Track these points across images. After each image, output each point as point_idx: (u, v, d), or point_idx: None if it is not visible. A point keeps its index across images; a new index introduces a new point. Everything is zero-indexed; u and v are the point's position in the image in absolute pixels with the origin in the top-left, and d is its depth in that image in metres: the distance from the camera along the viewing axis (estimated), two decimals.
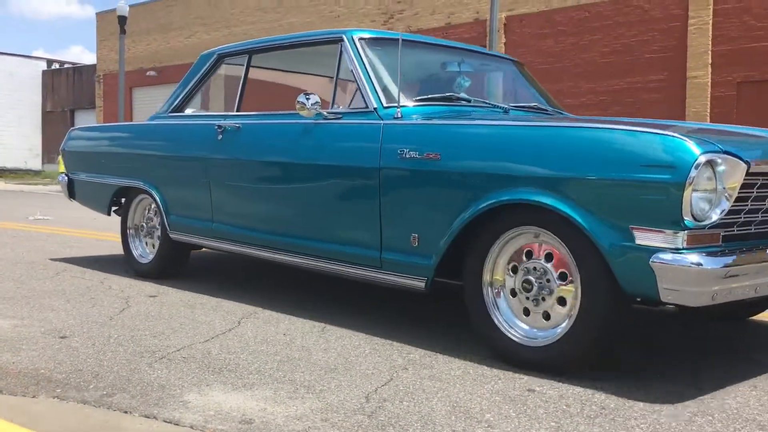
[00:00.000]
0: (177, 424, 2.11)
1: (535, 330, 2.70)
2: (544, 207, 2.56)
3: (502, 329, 2.75)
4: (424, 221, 2.97)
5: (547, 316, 2.67)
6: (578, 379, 2.56)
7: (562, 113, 3.96)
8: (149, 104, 26.32)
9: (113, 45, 25.47)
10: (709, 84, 14.68)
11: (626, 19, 15.31)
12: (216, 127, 4.02)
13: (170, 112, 4.61)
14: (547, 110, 3.84)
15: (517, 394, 2.41)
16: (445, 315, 3.59)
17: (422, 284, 2.97)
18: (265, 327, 3.28)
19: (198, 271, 4.83)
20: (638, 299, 2.54)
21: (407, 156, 2.99)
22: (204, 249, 4.41)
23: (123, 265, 4.89)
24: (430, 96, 3.45)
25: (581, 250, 2.52)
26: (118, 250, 5.09)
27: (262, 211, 3.81)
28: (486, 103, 3.63)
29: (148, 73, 25.90)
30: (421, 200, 2.99)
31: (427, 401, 2.33)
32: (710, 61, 14.77)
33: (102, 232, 7.36)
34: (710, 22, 14.89)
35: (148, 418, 2.16)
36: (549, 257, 2.67)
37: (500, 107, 3.55)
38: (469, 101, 3.54)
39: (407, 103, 3.24)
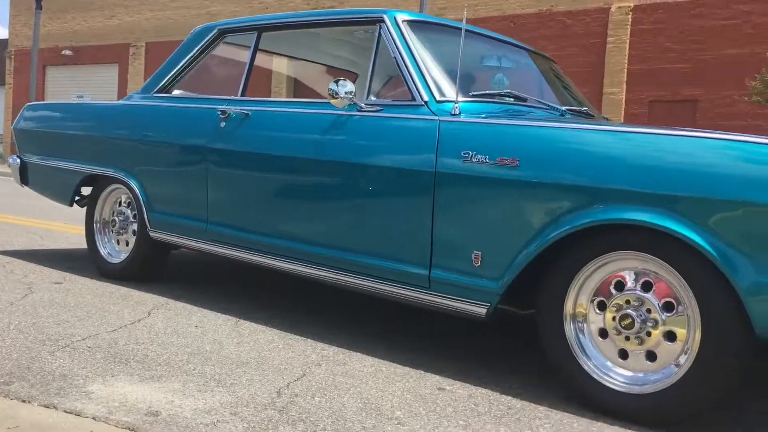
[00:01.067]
0: (78, 415, 2.04)
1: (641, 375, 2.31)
2: (661, 231, 2.18)
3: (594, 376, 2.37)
4: (493, 238, 2.55)
5: (652, 356, 2.29)
6: (487, 379, 2.62)
7: (607, 119, 3.57)
8: (63, 84, 25.31)
9: (28, 20, 24.34)
10: (623, 101, 15.30)
11: (550, 32, 15.77)
12: (219, 112, 3.49)
13: (156, 92, 4.02)
14: (594, 115, 3.43)
15: (427, 392, 2.44)
16: (361, 314, 3.60)
17: (483, 310, 2.57)
18: (177, 318, 3.21)
19: None
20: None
21: (474, 160, 2.57)
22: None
23: (27, 248, 4.67)
24: (486, 92, 3.04)
25: (704, 284, 2.15)
26: (21, 231, 4.86)
27: (274, 213, 3.27)
28: (542, 103, 3.20)
29: (63, 52, 24.87)
30: (491, 213, 2.56)
31: (339, 397, 2.33)
32: (625, 78, 15.39)
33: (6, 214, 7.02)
34: (627, 41, 15.51)
35: (48, 407, 2.07)
36: (647, 288, 2.31)
37: (558, 109, 3.17)
38: (525, 100, 3.11)
39: (461, 98, 2.81)
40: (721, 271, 2.08)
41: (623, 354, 2.33)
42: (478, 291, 2.57)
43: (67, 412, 2.06)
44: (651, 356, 2.28)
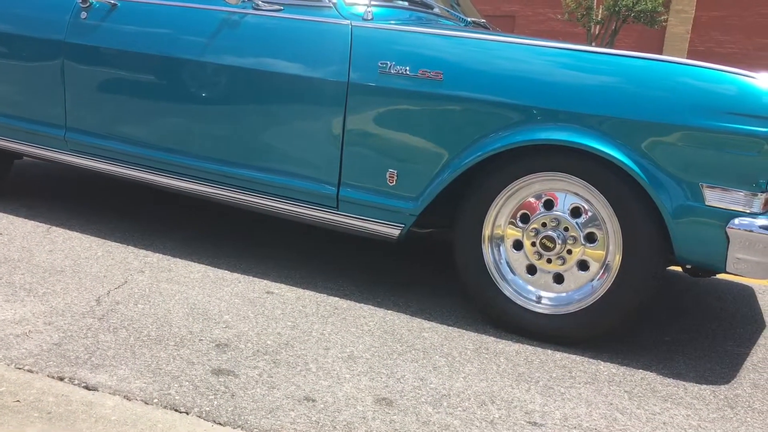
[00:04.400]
0: None
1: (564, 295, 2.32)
2: (590, 153, 2.16)
3: (507, 293, 2.37)
4: (410, 156, 2.43)
5: (559, 278, 2.33)
6: (314, 282, 2.67)
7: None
8: None
9: None
10: None
11: None
12: (78, 1, 3.04)
13: None
14: (489, 28, 3.26)
15: (256, 296, 2.45)
16: (185, 219, 3.49)
17: (396, 232, 2.48)
18: None
19: None
20: (687, 267, 2.24)
21: (393, 71, 2.40)
22: None
23: None
24: None
25: (627, 205, 2.17)
26: None
27: (152, 121, 2.91)
28: (448, 11, 3.03)
29: None
30: (409, 129, 2.42)
31: (164, 303, 2.28)
32: None
33: None
34: None
35: None
36: (574, 213, 2.29)
37: (463, 19, 3.02)
38: (431, 8, 2.92)
39: (373, 2, 2.61)
40: (647, 194, 2.12)
41: (531, 270, 2.36)
42: (392, 211, 2.48)
43: None
44: (559, 279, 2.32)
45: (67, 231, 3.00)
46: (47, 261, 2.58)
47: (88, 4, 3.02)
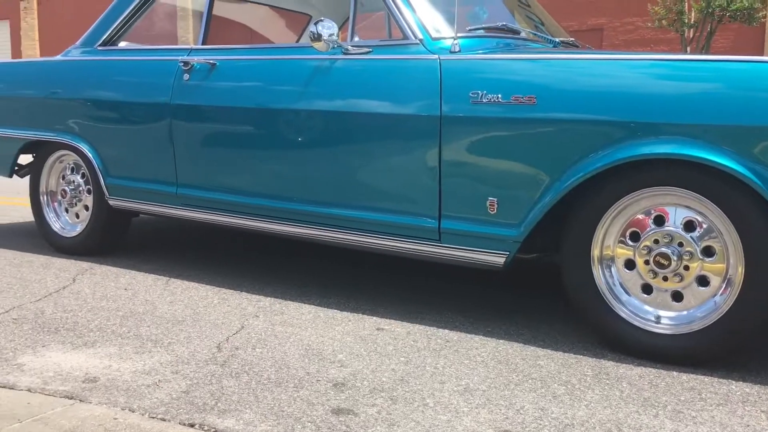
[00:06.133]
0: (12, 388, 1.98)
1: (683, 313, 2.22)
2: (698, 163, 2.08)
3: (623, 315, 2.29)
4: (509, 182, 2.40)
5: (678, 296, 2.22)
6: (423, 316, 2.68)
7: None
8: None
9: None
10: None
11: None
12: (180, 64, 3.21)
13: (100, 46, 3.65)
14: (578, 46, 3.25)
15: (367, 333, 2.48)
16: (294, 263, 3.59)
17: (501, 260, 2.45)
18: (104, 282, 3.12)
19: (21, 227, 4.48)
20: None
21: (485, 100, 2.40)
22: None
23: None
24: (480, 26, 2.83)
25: (745, 214, 2.07)
26: None
27: (257, 171, 3.01)
28: (535, 34, 3.05)
29: None
30: (506, 156, 2.40)
31: (280, 346, 2.34)
32: None
33: None
34: None
35: None
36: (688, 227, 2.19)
37: (551, 40, 3.01)
38: (518, 33, 2.93)
39: (459, 34, 2.61)
40: (765, 200, 2.02)
41: (647, 289, 2.27)
42: (495, 240, 2.44)
43: (0, 386, 1.99)
44: (677, 296, 2.23)
45: (185, 281, 3.14)
46: (169, 312, 2.70)
47: (189, 66, 3.20)
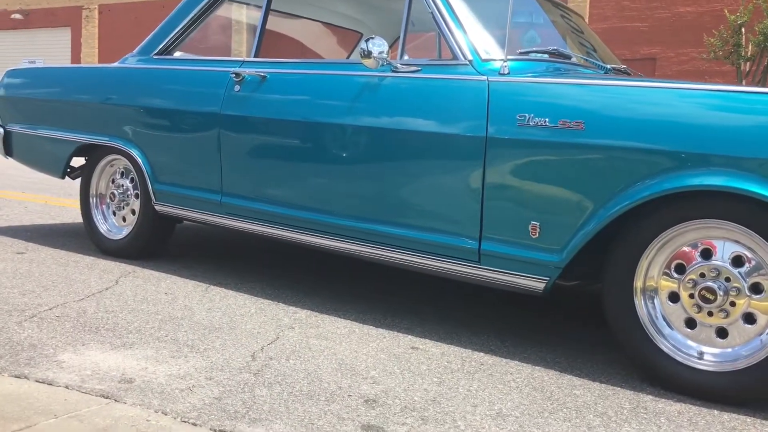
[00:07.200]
0: (51, 384, 2.02)
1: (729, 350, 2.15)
2: (750, 197, 2.03)
3: (665, 349, 2.23)
4: (553, 207, 2.38)
5: (723, 333, 2.16)
6: (459, 338, 2.66)
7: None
8: (12, 50, 24.47)
9: None
10: None
11: None
12: (232, 75, 3.27)
13: (155, 55, 3.74)
14: (630, 73, 3.22)
15: (401, 351, 2.47)
16: (332, 276, 3.60)
17: (541, 285, 2.42)
18: (145, 286, 3.17)
19: (68, 228, 4.59)
20: None
21: (532, 124, 2.38)
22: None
23: None
24: (531, 50, 2.84)
25: None
26: None
27: (301, 184, 3.04)
28: (587, 59, 3.05)
29: (13, 16, 24.00)
30: (551, 180, 2.38)
31: (314, 359, 2.34)
32: None
33: None
34: (588, 1, 15.54)
35: (19, 378, 2.04)
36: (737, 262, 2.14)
37: (603, 66, 3.00)
38: (569, 58, 2.92)
39: (510, 56, 2.62)
40: None
41: (691, 324, 2.21)
42: (536, 264, 2.41)
43: (39, 381, 2.03)
44: (722, 333, 2.16)
45: (224, 290, 3.18)
46: (206, 319, 2.73)
47: (240, 78, 3.25)
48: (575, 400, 2.12)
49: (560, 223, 2.37)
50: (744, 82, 12.78)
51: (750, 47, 12.92)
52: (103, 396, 1.96)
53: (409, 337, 2.63)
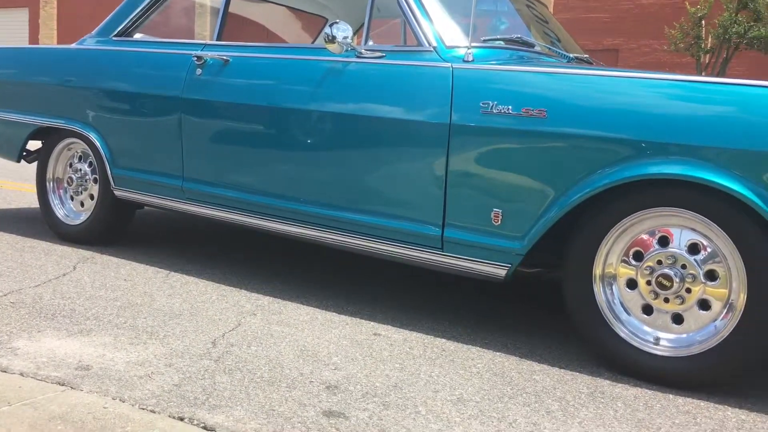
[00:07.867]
0: (5, 372, 1.97)
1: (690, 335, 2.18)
2: (706, 186, 2.07)
3: (622, 335, 2.27)
4: (515, 195, 2.40)
5: (679, 318, 2.20)
6: (421, 324, 2.67)
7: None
8: None
9: None
10: None
11: None
12: (193, 58, 3.21)
13: (115, 36, 3.66)
14: (592, 63, 3.23)
15: (363, 338, 2.47)
16: (296, 263, 3.59)
17: (503, 272, 2.44)
18: (104, 272, 3.12)
19: (24, 213, 4.49)
20: None
21: (495, 111, 2.39)
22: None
23: None
24: (495, 37, 2.84)
25: (750, 240, 2.05)
26: None
27: (263, 170, 3.03)
28: (551, 48, 3.06)
29: None
30: (513, 168, 2.40)
31: (275, 346, 2.33)
32: None
33: None
34: None
35: None
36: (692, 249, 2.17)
37: (566, 56, 3.00)
38: (532, 46, 2.93)
39: (474, 44, 2.62)
40: None
41: (648, 310, 2.25)
42: (498, 251, 2.43)
43: None
44: (678, 319, 2.20)
45: (185, 276, 3.14)
46: (167, 305, 2.70)
47: (202, 61, 3.20)
48: (534, 385, 2.15)
49: (522, 210, 2.39)
50: (703, 74, 13.02)
51: (710, 40, 13.15)
52: (59, 383, 1.93)
53: (372, 323, 2.64)
